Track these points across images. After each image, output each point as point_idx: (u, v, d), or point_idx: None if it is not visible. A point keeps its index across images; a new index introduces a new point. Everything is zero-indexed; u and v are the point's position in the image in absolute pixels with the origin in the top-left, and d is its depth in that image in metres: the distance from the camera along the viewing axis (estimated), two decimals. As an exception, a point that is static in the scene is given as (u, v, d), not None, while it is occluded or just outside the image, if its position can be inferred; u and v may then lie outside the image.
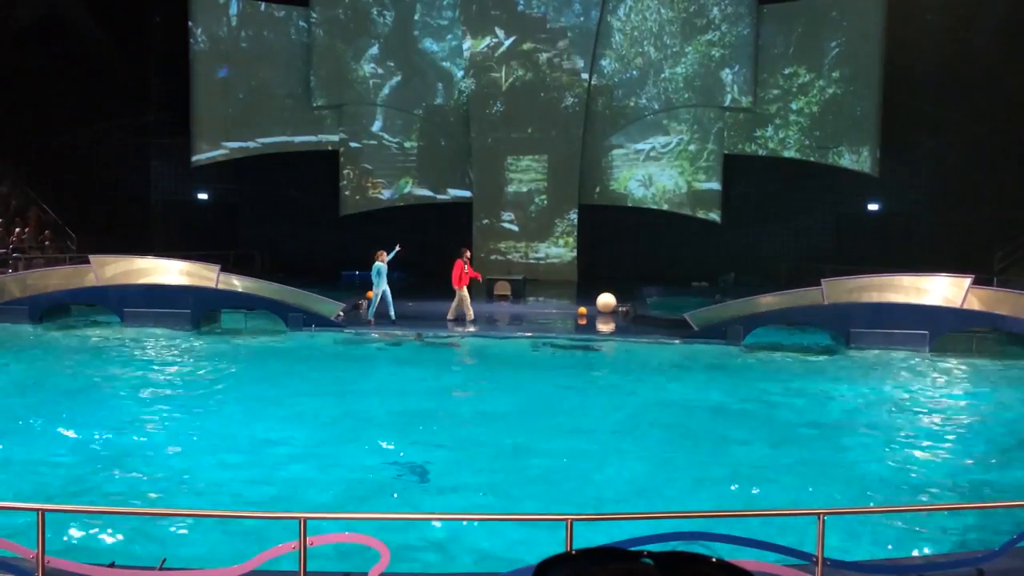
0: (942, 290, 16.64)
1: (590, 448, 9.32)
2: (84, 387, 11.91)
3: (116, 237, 24.19)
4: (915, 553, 6.42)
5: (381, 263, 17.90)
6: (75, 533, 6.26)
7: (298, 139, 30.79)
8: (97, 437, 9.35)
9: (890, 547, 6.51)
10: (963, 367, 14.89)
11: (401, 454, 9.00)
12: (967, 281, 16.37)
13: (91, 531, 6.38)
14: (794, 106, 29.06)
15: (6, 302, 17.63)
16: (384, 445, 9.31)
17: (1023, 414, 11.45)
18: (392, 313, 17.89)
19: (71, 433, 9.48)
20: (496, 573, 5.31)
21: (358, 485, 8.01)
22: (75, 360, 14.04)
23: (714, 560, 0.88)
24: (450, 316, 18.41)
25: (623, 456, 9.03)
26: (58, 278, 18.39)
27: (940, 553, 6.40)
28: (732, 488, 7.97)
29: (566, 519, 4.72)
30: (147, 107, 29.25)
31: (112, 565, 5.22)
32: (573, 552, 0.94)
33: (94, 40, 27.54)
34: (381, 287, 17.88)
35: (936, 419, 11.09)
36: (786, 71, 29.00)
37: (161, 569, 5.18)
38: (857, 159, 28.62)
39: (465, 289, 18.42)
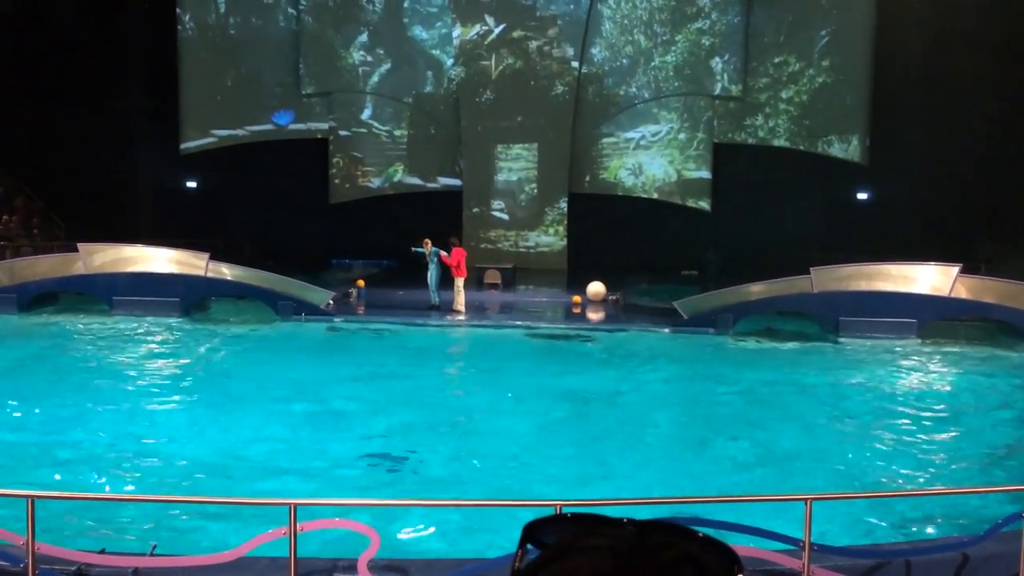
0: (930, 279, 16.74)
1: (579, 437, 9.37)
2: (71, 375, 11.86)
3: (105, 225, 23.99)
4: (901, 538, 6.48)
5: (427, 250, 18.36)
6: (66, 520, 6.25)
7: (287, 127, 30.65)
8: (85, 426, 9.33)
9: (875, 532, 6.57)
10: (950, 355, 14.99)
11: (391, 441, 9.01)
12: (955, 270, 16.47)
13: (81, 518, 6.38)
14: (784, 95, 29.08)
15: (-6, 290, 17.54)
16: (373, 432, 9.32)
17: (1010, 401, 11.55)
18: (432, 298, 18.47)
19: (56, 420, 9.46)
20: (483, 558, 5.33)
21: (347, 471, 8.02)
22: (63, 348, 13.99)
23: (698, 535, 0.89)
24: (456, 306, 18.18)
25: (611, 444, 9.08)
26: (46, 266, 18.29)
27: (926, 538, 6.47)
28: (723, 476, 8.02)
29: (555, 504, 4.74)
30: (136, 94, 29.01)
31: (103, 551, 5.22)
32: (559, 515, 0.95)
33: (82, 26, 27.31)
34: (430, 272, 18.40)
35: (923, 406, 11.16)
36: (776, 60, 29.01)
37: (152, 555, 5.18)
38: (847, 148, 28.70)
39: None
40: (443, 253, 18.20)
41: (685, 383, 12.35)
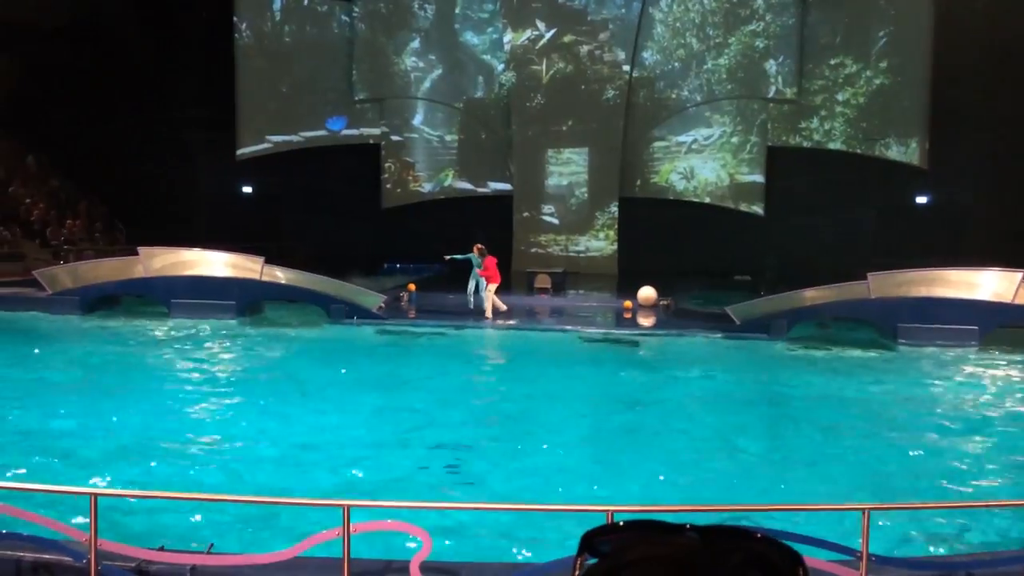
0: (993, 285, 16.28)
1: (640, 443, 9.31)
2: (132, 376, 12.15)
3: (163, 229, 24.55)
4: (962, 550, 6.30)
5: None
6: (126, 517, 6.40)
7: (340, 132, 31.09)
8: (141, 425, 9.54)
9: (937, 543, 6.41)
10: (1016, 363, 14.55)
11: (445, 445, 9.04)
12: (1019, 275, 15.99)
13: (141, 515, 6.53)
14: (840, 97, 28.58)
15: (58, 292, 18.06)
16: (428, 435, 9.37)
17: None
18: (470, 302, 18.58)
19: (115, 420, 9.69)
20: (536, 562, 5.32)
21: (401, 473, 8.08)
22: (125, 350, 14.34)
23: (759, 535, 0.88)
24: (488, 313, 18.24)
25: (674, 449, 9.00)
26: (108, 269, 18.79)
27: (988, 550, 6.28)
28: (780, 486, 7.90)
29: (607, 510, 4.71)
30: (194, 102, 29.70)
31: (162, 548, 5.33)
32: (618, 523, 0.95)
33: (140, 35, 28.06)
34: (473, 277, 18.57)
35: (989, 415, 10.86)
36: (832, 61, 28.53)
37: (209, 553, 5.28)
38: (905, 151, 28.09)
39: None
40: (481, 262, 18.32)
41: (749, 388, 12.20)
